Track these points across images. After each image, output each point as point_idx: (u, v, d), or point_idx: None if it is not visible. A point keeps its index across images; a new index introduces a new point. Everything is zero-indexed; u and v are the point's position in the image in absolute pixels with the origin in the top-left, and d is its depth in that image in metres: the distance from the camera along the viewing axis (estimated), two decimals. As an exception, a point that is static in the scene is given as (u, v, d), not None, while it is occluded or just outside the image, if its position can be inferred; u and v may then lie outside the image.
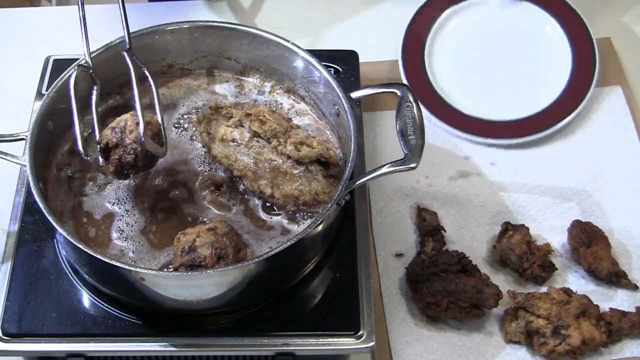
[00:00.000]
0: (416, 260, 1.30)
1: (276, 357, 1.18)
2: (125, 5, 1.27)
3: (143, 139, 1.16)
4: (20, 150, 1.22)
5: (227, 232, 1.16)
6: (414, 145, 1.19)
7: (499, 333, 1.27)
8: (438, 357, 1.24)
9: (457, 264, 1.27)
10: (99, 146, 1.20)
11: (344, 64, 1.46)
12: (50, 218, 1.11)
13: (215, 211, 1.24)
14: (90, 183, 1.27)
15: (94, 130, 1.21)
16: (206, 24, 1.36)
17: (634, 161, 1.46)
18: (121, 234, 1.22)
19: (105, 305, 1.20)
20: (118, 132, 1.18)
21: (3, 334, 1.17)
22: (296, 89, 1.37)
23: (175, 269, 1.14)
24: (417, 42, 1.56)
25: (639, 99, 1.54)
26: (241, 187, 1.26)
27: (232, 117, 1.28)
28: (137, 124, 1.17)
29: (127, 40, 1.26)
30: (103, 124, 1.33)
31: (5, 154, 1.20)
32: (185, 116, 1.36)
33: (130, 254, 1.20)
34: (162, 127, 1.21)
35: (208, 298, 1.15)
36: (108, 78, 1.34)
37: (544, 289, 1.29)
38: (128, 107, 1.36)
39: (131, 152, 1.17)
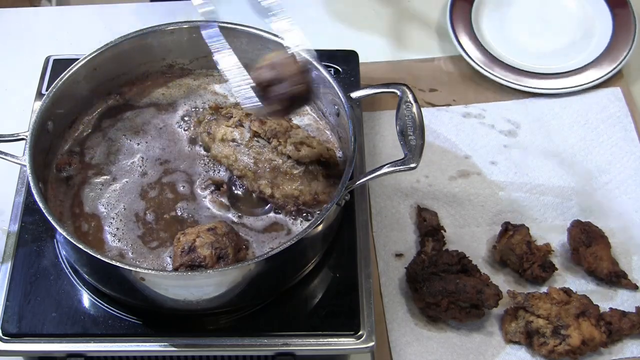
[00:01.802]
0: (416, 260, 1.30)
1: (276, 357, 1.18)
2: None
3: (310, 65, 1.12)
4: (20, 150, 1.22)
5: (227, 232, 1.16)
6: (414, 145, 1.19)
7: (499, 333, 1.27)
8: (438, 357, 1.24)
9: (457, 264, 1.27)
10: (251, 89, 1.12)
11: (344, 64, 1.46)
12: (50, 218, 1.11)
13: (215, 211, 1.24)
14: (91, 183, 1.27)
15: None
16: (206, 24, 1.36)
17: (634, 161, 1.46)
18: (121, 233, 1.22)
19: (105, 305, 1.20)
20: (275, 68, 1.12)
21: (3, 334, 1.17)
22: (296, 89, 1.37)
23: (175, 269, 1.14)
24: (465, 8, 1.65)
25: (638, 101, 1.54)
26: (241, 187, 1.26)
27: (232, 117, 1.28)
28: (292, 55, 1.13)
29: None
30: (100, 124, 1.34)
31: (5, 154, 1.20)
32: (185, 116, 1.36)
33: (130, 254, 1.20)
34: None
35: (208, 298, 1.15)
36: (108, 78, 1.34)
37: (544, 289, 1.29)
38: (128, 106, 1.36)
39: (301, 82, 1.11)
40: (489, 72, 1.56)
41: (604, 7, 1.63)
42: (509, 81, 1.55)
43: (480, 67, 1.56)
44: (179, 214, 1.24)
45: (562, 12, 1.66)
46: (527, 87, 1.54)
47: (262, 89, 1.12)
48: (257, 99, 1.12)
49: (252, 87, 1.12)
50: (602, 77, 1.54)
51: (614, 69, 1.55)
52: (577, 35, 1.62)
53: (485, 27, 1.63)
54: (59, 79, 1.26)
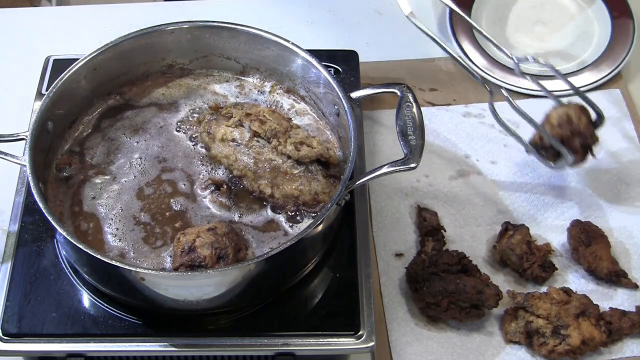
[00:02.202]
0: (416, 260, 1.30)
1: (276, 357, 1.18)
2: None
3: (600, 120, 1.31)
4: (20, 150, 1.22)
5: (227, 232, 1.16)
6: (414, 145, 1.19)
7: (499, 333, 1.27)
8: (438, 357, 1.24)
9: (457, 264, 1.27)
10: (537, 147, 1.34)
11: (344, 64, 1.46)
12: (50, 218, 1.11)
13: (215, 211, 1.24)
14: (90, 183, 1.27)
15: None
16: (206, 24, 1.36)
17: (633, 161, 1.46)
18: (121, 233, 1.22)
19: (105, 305, 1.20)
20: (566, 123, 1.29)
21: (3, 334, 1.17)
22: (296, 89, 1.37)
23: (175, 269, 1.14)
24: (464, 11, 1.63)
25: (637, 102, 1.54)
26: (241, 187, 1.26)
27: (232, 117, 1.28)
28: (581, 109, 1.31)
29: None
30: (100, 124, 1.34)
31: (5, 154, 1.20)
32: (185, 116, 1.36)
33: (131, 254, 1.20)
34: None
35: (208, 298, 1.15)
36: (108, 78, 1.34)
37: (544, 289, 1.29)
38: (128, 106, 1.36)
39: (591, 135, 1.31)
40: (489, 75, 1.56)
41: (603, 10, 1.63)
42: (507, 83, 1.55)
43: (480, 69, 1.56)
44: (179, 213, 1.24)
45: (560, 14, 1.66)
46: (525, 89, 1.54)
47: (566, 143, 1.31)
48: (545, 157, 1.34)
49: (533, 145, 1.35)
50: (600, 79, 1.54)
51: (612, 71, 1.55)
52: (575, 37, 1.62)
53: (484, 30, 1.63)
54: (59, 79, 1.26)
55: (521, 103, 1.52)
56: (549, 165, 1.35)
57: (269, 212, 1.24)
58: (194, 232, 1.15)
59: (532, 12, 1.67)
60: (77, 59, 1.28)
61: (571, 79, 1.55)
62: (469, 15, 1.63)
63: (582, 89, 1.54)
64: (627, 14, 1.62)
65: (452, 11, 1.63)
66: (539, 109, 1.52)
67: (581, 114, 1.32)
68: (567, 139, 1.31)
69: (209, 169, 1.29)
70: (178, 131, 1.34)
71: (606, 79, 1.54)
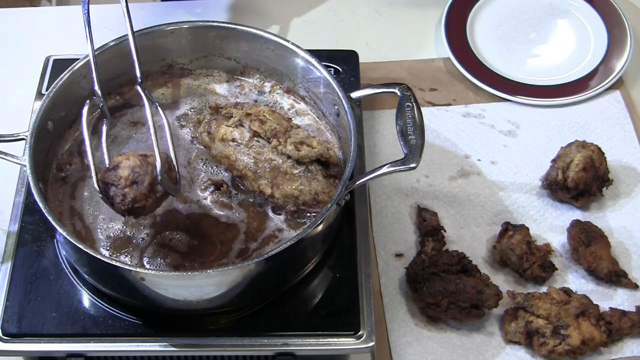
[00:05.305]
0: (416, 260, 1.30)
1: (276, 357, 1.18)
2: (133, 4, 1.26)
3: (160, 178, 1.13)
4: (20, 150, 1.22)
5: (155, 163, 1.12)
6: (414, 145, 1.19)
7: (499, 333, 1.27)
8: (438, 357, 1.24)
9: (457, 264, 1.27)
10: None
11: (344, 64, 1.46)
12: (50, 218, 1.11)
13: (216, 211, 1.24)
14: (90, 182, 1.27)
15: (104, 162, 1.17)
16: (206, 24, 1.36)
17: (633, 162, 1.46)
18: (121, 234, 1.22)
19: (105, 305, 1.20)
20: (591, 167, 1.33)
21: (3, 334, 1.17)
22: (296, 89, 1.37)
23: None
24: (460, 14, 1.65)
25: (637, 103, 1.54)
26: (241, 187, 1.26)
27: (232, 117, 1.28)
28: (600, 151, 1.35)
29: (138, 73, 1.25)
30: (99, 124, 1.33)
31: (5, 154, 1.20)
32: (185, 116, 1.36)
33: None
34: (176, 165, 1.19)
35: (208, 298, 1.15)
36: (108, 78, 1.34)
37: (544, 289, 1.29)
38: (128, 106, 1.36)
39: (608, 179, 1.38)
40: (488, 86, 1.55)
41: (598, 21, 1.63)
42: (505, 92, 1.54)
43: (480, 81, 1.55)
44: (179, 214, 1.24)
45: (556, 25, 1.65)
46: (519, 96, 1.54)
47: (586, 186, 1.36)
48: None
49: (551, 181, 1.38)
50: (600, 85, 1.53)
51: (611, 80, 1.54)
52: (571, 48, 1.61)
53: (480, 37, 1.63)
54: (59, 79, 1.27)
55: (517, 107, 1.54)
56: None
57: (270, 211, 1.24)
58: (129, 154, 1.12)
59: (528, 22, 1.66)
60: (77, 59, 1.29)
61: (569, 90, 1.55)
62: (465, 23, 1.63)
63: (581, 98, 1.54)
64: (621, 22, 1.61)
65: (449, 16, 1.63)
66: (534, 115, 1.53)
67: (602, 158, 1.37)
68: (589, 182, 1.35)
69: (209, 169, 1.29)
70: (178, 130, 1.33)
71: (604, 87, 1.54)
